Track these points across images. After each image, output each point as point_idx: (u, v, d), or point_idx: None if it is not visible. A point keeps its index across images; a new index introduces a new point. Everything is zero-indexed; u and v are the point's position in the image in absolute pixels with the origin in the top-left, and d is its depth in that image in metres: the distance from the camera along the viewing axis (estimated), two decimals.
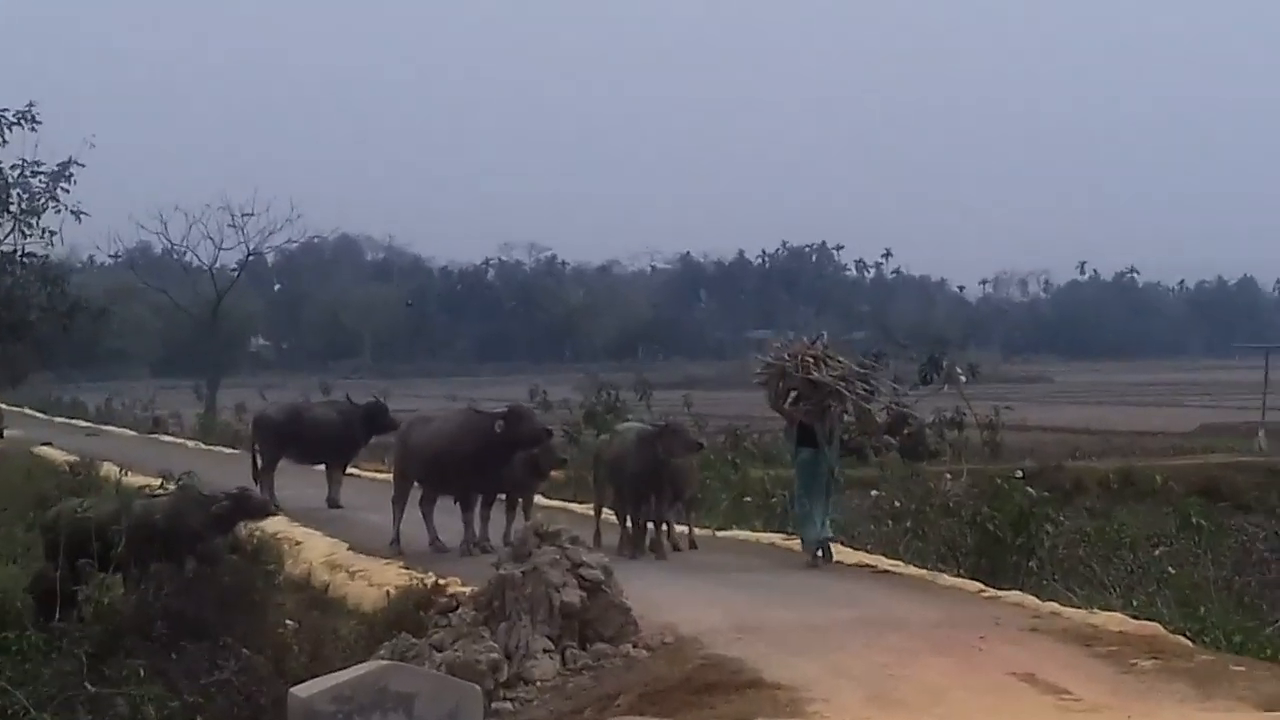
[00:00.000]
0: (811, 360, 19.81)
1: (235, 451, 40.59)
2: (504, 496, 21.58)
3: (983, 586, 17.73)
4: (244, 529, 20.77)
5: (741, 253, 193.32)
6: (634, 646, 14.32)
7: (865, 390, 20.25)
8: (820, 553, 19.78)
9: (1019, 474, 26.35)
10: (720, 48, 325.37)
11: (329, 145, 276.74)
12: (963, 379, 27.67)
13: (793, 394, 19.91)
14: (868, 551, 21.29)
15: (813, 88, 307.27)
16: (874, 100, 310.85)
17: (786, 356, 20.10)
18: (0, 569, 23.58)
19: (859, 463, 28.38)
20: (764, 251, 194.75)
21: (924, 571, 19.12)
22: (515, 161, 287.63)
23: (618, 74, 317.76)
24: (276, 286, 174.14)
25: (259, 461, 28.10)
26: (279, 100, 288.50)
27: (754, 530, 23.52)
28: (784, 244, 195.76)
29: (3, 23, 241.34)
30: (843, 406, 19.98)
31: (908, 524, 25.27)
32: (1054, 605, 16.23)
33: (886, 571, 18.98)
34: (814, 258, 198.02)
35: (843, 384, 19.81)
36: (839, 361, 20.08)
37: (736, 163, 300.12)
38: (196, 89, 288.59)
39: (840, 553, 20.29)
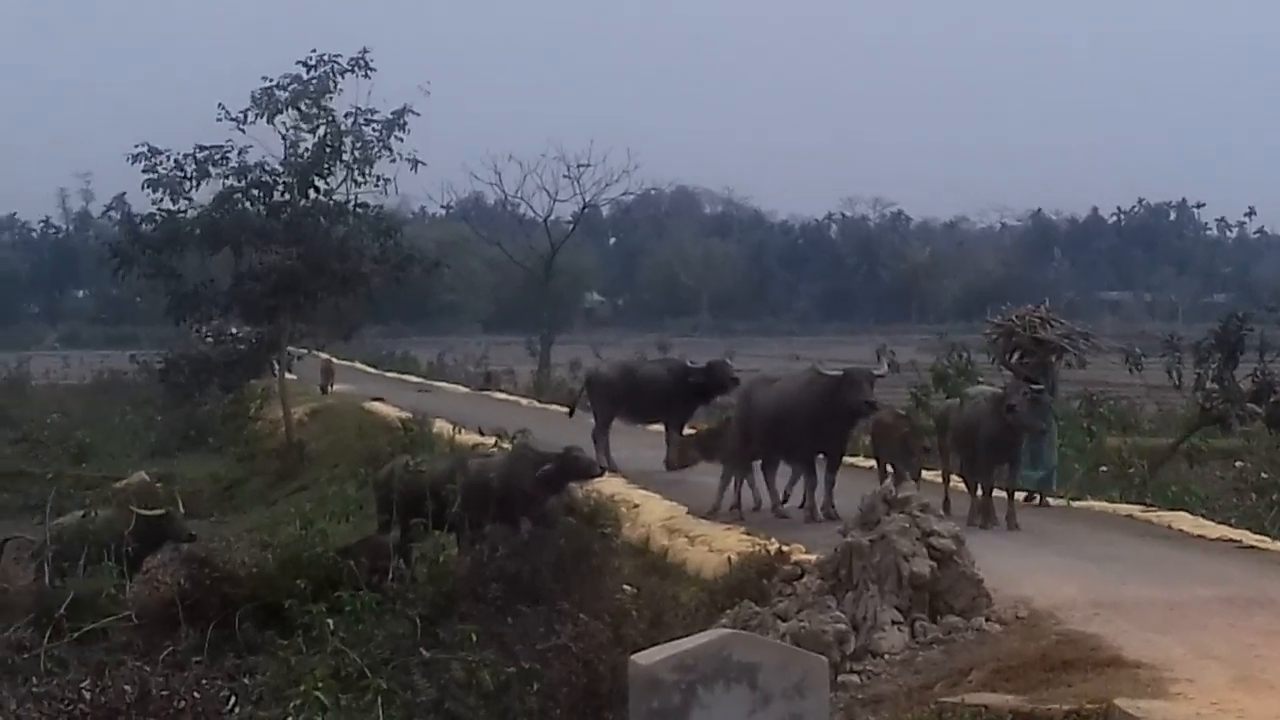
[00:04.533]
0: (1038, 321, 22.00)
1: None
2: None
3: None
4: (580, 490, 20.60)
5: (1095, 210, 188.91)
6: (986, 620, 13.83)
7: (1086, 345, 22.42)
8: (1037, 496, 21.52)
9: None
10: None
11: (667, 94, 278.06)
12: None
13: (1017, 353, 21.97)
14: (1231, 525, 20.31)
15: (1173, 35, 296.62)
16: (1236, 46, 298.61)
17: (1014, 319, 22.22)
18: (333, 527, 23.92)
19: (1222, 433, 27.34)
20: (1119, 209, 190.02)
21: None
22: (851, 110, 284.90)
23: (966, 9, 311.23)
24: (612, 240, 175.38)
25: (572, 413, 27.81)
26: (616, 50, 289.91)
27: (1110, 501, 22.62)
28: (1141, 201, 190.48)
29: None
30: (1067, 360, 22.20)
31: (1275, 497, 24.31)
32: None
33: (1252, 547, 18.02)
34: (1172, 216, 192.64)
35: (1066, 340, 22.01)
36: (1060, 322, 22.40)
37: (1090, 112, 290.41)
38: (532, 38, 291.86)
39: (1202, 527, 19.49)
